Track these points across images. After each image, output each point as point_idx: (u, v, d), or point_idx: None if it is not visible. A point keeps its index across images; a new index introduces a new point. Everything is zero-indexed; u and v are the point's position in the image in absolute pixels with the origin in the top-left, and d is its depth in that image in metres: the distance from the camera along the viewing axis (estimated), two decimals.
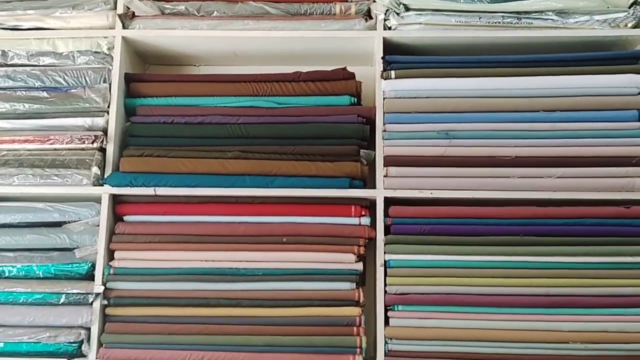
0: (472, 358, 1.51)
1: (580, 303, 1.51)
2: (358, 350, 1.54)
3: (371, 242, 1.63)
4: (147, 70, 1.93)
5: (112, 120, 1.67)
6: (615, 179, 1.55)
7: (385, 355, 1.54)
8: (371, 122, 1.66)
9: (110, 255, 1.63)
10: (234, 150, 1.63)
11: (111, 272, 1.60)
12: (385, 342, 1.54)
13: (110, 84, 1.70)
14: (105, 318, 1.61)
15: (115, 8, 1.75)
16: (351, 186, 1.61)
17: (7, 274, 1.61)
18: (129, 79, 1.75)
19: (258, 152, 1.63)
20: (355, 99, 1.69)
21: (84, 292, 1.56)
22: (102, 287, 1.58)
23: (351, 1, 1.76)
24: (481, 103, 1.60)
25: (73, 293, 1.56)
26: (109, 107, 1.68)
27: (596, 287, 1.51)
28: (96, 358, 1.56)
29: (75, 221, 1.62)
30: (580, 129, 1.57)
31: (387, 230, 1.60)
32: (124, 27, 1.73)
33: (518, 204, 1.57)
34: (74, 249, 1.60)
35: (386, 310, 1.56)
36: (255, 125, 1.65)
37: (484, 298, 1.53)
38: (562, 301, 1.51)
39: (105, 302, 1.59)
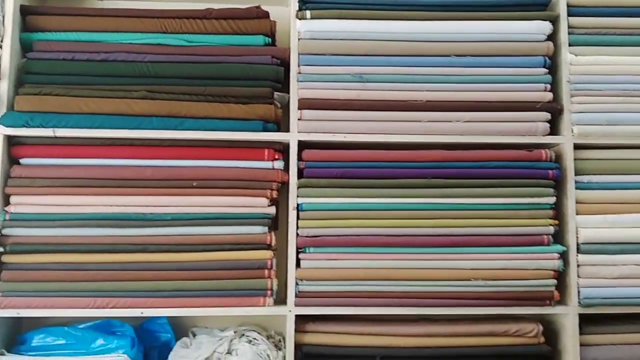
0: (380, 296, 1.66)
1: (483, 242, 1.67)
2: (269, 292, 1.65)
3: (284, 185, 1.71)
4: (45, 2, 1.88)
5: (6, 56, 1.64)
6: (520, 123, 1.70)
7: (296, 296, 1.65)
8: (285, 64, 1.72)
9: (5, 200, 1.63)
10: (140, 90, 1.65)
11: (7, 217, 1.60)
12: (296, 284, 1.65)
13: (3, 17, 1.65)
14: (1, 266, 1.61)
15: None
16: (264, 129, 1.68)
17: None
18: (25, 12, 1.71)
19: (166, 93, 1.66)
20: (270, 40, 1.75)
21: None
22: None
23: None
24: (394, 46, 1.70)
25: None
26: (2, 41, 1.64)
27: (499, 227, 1.68)
28: None
29: None
30: (488, 74, 1.71)
31: (300, 174, 1.69)
32: None
33: (428, 148, 1.70)
34: None
35: (297, 253, 1.66)
36: (164, 64, 1.68)
37: (392, 239, 1.66)
38: (465, 241, 1.67)
39: (1, 249, 1.60)
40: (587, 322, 1.70)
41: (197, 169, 1.67)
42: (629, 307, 1.67)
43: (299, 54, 1.71)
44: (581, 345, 1.67)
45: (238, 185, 1.67)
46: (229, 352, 1.66)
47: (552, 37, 1.74)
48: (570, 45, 1.73)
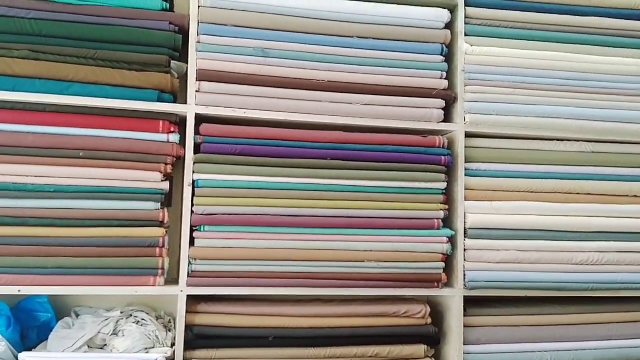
0: (274, 277, 1.78)
1: (377, 224, 1.84)
2: (160, 271, 1.71)
3: (179, 160, 1.77)
4: None
5: None
6: (416, 109, 1.88)
7: (189, 276, 1.72)
8: (184, 32, 1.78)
9: None
10: (22, 49, 1.65)
11: None
12: (189, 263, 1.72)
13: None
14: None
15: None
16: (159, 100, 1.73)
17: None
18: None
19: (52, 54, 1.67)
20: (168, 4, 1.79)
21: None
22: None
23: None
24: (298, 23, 1.81)
25: None
26: None
27: (392, 210, 1.86)
28: None
29: None
30: (388, 58, 1.88)
31: (197, 149, 1.76)
32: None
33: (327, 129, 1.84)
34: None
35: (192, 231, 1.73)
36: (50, 22, 1.68)
37: (288, 219, 1.79)
38: (360, 223, 1.83)
39: None
40: (471, 304, 1.92)
41: (84, 138, 1.69)
42: (510, 290, 1.91)
43: (199, 22, 1.77)
44: (465, 326, 1.89)
45: (129, 157, 1.72)
46: (114, 334, 1.70)
47: (450, 25, 1.93)
48: (466, 35, 1.94)
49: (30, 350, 1.64)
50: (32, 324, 1.73)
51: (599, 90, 1.99)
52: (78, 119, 1.69)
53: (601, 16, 2.01)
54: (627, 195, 2.01)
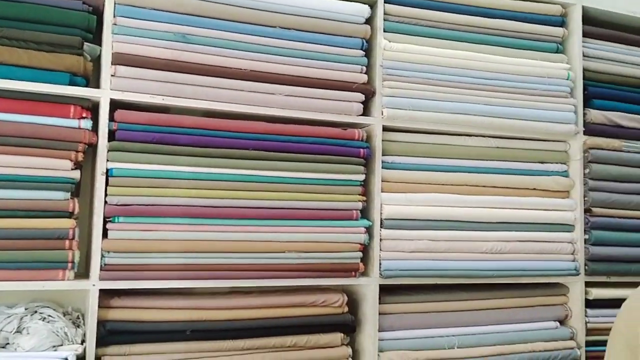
0: (191, 269, 1.72)
1: (297, 215, 1.82)
2: (69, 265, 1.61)
3: (91, 148, 1.66)
4: None
5: None
6: (337, 102, 1.88)
7: (101, 269, 1.62)
8: (99, 13, 1.67)
9: None
10: None
11: None
12: (102, 256, 1.62)
13: None
14: None
15: None
16: (71, 83, 1.61)
17: None
18: None
19: None
20: None
21: None
22: None
23: None
24: (220, 10, 1.76)
25: None
26: None
27: (312, 201, 1.85)
28: None
29: None
30: (310, 50, 1.86)
31: (111, 137, 1.65)
32: None
33: (249, 119, 1.79)
34: None
35: (105, 223, 1.63)
36: None
37: (207, 210, 1.73)
38: (280, 214, 1.81)
39: None
40: (386, 292, 1.95)
41: None
42: (422, 278, 1.95)
43: (115, 3, 1.68)
44: (380, 314, 1.92)
45: (37, 144, 1.59)
46: (18, 331, 1.58)
47: (370, 21, 1.94)
48: (385, 31, 1.95)
49: None
50: None
51: (506, 89, 2.07)
52: None
53: (510, 19, 2.10)
54: (528, 188, 2.12)
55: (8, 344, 1.57)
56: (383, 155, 1.93)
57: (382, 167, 1.93)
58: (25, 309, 1.63)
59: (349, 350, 1.90)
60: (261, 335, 1.79)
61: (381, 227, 1.92)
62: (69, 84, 1.60)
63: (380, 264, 1.91)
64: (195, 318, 1.73)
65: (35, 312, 1.64)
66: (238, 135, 1.77)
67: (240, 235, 1.75)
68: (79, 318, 1.72)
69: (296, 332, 1.83)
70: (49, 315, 1.64)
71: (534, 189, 2.12)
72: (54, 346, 1.57)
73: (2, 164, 1.55)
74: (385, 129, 1.94)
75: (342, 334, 1.89)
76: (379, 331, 1.91)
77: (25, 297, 1.70)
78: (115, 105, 1.66)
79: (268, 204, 1.78)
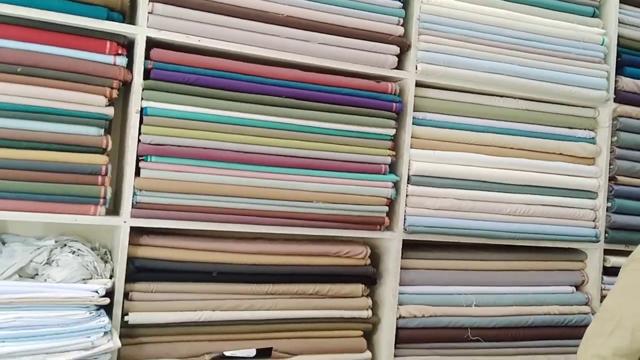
0: (220, 212, 1.70)
1: (326, 166, 1.81)
2: (101, 200, 1.60)
3: (125, 86, 1.64)
4: None
5: None
6: (372, 53, 1.84)
7: (133, 207, 1.61)
8: None
9: None
10: None
11: None
12: (134, 194, 1.61)
13: None
14: None
15: None
16: (108, 18, 1.58)
17: None
18: None
19: None
20: None
21: None
22: None
23: None
24: None
25: None
26: None
27: (342, 152, 1.82)
28: None
29: None
30: None
31: (146, 75, 1.62)
32: None
33: (283, 66, 1.75)
34: None
35: (137, 161, 1.61)
36: None
37: (238, 155, 1.71)
38: (311, 163, 1.79)
39: None
40: (408, 248, 1.93)
41: (22, 53, 1.51)
42: (445, 235, 1.94)
43: None
44: (401, 268, 1.91)
45: (72, 78, 1.56)
46: (48, 263, 1.57)
47: None
48: None
49: None
50: None
51: (540, 50, 2.02)
52: (17, 31, 1.50)
53: None
54: (554, 153, 2.09)
55: (37, 274, 1.57)
56: (414, 111, 1.90)
57: (413, 123, 1.90)
58: (55, 242, 1.63)
59: (369, 301, 1.90)
60: (285, 281, 1.79)
61: (408, 182, 1.90)
62: (106, 19, 1.56)
63: (405, 219, 1.89)
64: (222, 260, 1.73)
65: (65, 245, 1.64)
66: (271, 81, 1.73)
67: (269, 182, 1.73)
68: (106, 254, 1.72)
69: (319, 281, 1.83)
70: (78, 249, 1.63)
71: (560, 153, 2.09)
72: (83, 279, 1.57)
73: (37, 95, 1.52)
74: (418, 84, 1.90)
75: (363, 286, 1.89)
76: (400, 285, 1.91)
77: (53, 230, 1.69)
78: (150, 43, 1.62)
79: (297, 153, 1.76)
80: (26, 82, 1.51)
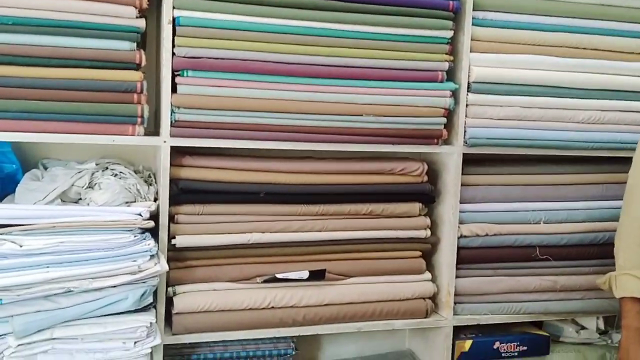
0: (265, 129, 1.58)
1: (378, 75, 1.64)
2: (139, 120, 1.50)
3: None
4: None
5: None
6: None
7: (172, 125, 1.51)
8: None
9: None
10: None
11: None
12: (172, 112, 1.51)
13: None
14: None
15: None
16: None
17: None
18: None
19: None
20: None
21: None
22: None
23: None
24: None
25: None
26: None
27: (395, 59, 1.65)
28: None
29: None
30: None
31: None
32: None
33: None
34: None
35: (174, 77, 1.50)
36: None
37: (281, 66, 1.57)
38: (359, 72, 1.63)
39: None
40: (468, 163, 1.78)
41: None
42: (511, 148, 1.76)
43: None
44: (462, 185, 1.76)
45: None
46: (90, 187, 1.51)
47: None
48: None
49: None
50: None
51: None
52: None
53: None
54: (634, 52, 1.84)
55: (80, 199, 1.51)
56: (474, 10, 1.69)
57: (473, 24, 1.69)
58: (97, 165, 1.56)
59: (427, 220, 1.78)
60: (336, 201, 1.68)
61: (468, 90, 1.71)
62: None
63: (465, 131, 1.73)
64: (269, 181, 1.62)
65: (107, 168, 1.57)
66: None
67: (316, 95, 1.59)
68: (150, 177, 1.65)
69: (372, 200, 1.71)
70: (120, 172, 1.56)
71: None
72: (126, 202, 1.50)
73: (64, 9, 1.41)
74: None
75: (420, 204, 1.76)
76: (460, 203, 1.77)
77: (94, 153, 1.62)
78: None
79: (344, 62, 1.60)
80: None
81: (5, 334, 1.34)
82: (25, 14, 1.38)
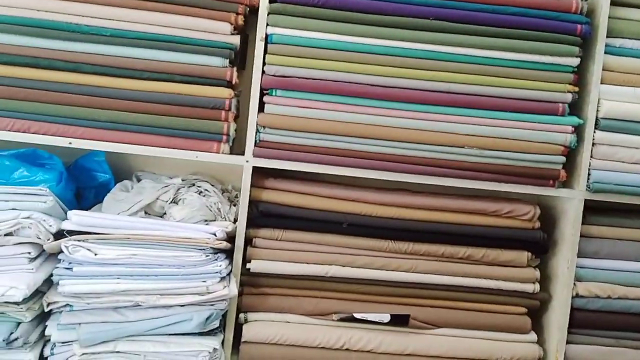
0: (354, 156, 1.47)
1: (485, 104, 1.47)
2: (224, 137, 1.46)
3: (253, 12, 1.46)
4: None
5: None
6: None
7: (256, 145, 1.46)
8: None
9: None
10: None
11: None
12: (257, 131, 1.45)
13: None
14: None
15: None
16: None
17: None
18: None
19: None
20: None
21: None
22: None
23: None
24: None
25: None
26: None
27: (506, 87, 1.46)
28: None
29: None
30: None
31: None
32: None
33: None
34: None
35: (262, 95, 1.45)
36: None
37: (375, 89, 1.45)
38: (464, 100, 1.46)
39: None
40: (591, 211, 1.52)
41: None
42: None
43: None
44: (582, 235, 1.51)
45: (195, 2, 1.43)
46: (174, 202, 1.49)
47: None
48: None
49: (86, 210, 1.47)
50: (89, 184, 1.56)
51: None
52: None
53: None
54: None
55: (165, 214, 1.50)
56: (608, 36, 1.46)
57: (605, 52, 1.47)
58: (183, 180, 1.54)
59: (537, 273, 1.54)
60: (428, 240, 1.51)
61: (595, 127, 1.48)
62: None
63: (589, 173, 1.48)
64: (354, 211, 1.50)
65: (193, 184, 1.55)
66: (417, 0, 1.43)
67: (412, 122, 1.45)
68: (236, 197, 1.60)
69: (471, 243, 1.52)
70: (205, 190, 1.53)
71: None
72: (205, 220, 1.47)
73: (159, 23, 1.42)
74: (614, 2, 1.46)
75: (529, 253, 1.53)
76: (578, 256, 1.51)
77: (187, 169, 1.62)
78: None
79: (447, 87, 1.44)
80: (148, 8, 1.41)
81: (71, 341, 1.35)
82: (121, 26, 1.41)
